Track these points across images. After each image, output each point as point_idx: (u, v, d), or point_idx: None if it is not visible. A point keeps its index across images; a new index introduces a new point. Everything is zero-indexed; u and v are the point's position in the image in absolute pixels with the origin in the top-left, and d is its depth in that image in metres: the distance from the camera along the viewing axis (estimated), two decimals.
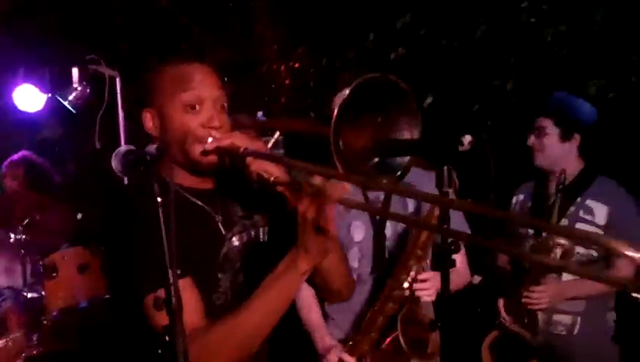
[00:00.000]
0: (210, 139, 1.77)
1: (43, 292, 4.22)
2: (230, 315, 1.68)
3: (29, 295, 4.20)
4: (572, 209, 3.16)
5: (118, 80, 5.20)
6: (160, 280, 1.58)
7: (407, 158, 1.68)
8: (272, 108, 5.34)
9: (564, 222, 3.15)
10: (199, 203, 1.87)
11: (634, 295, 2.81)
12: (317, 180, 1.55)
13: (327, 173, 1.52)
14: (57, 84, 5.23)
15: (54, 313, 4.21)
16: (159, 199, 1.54)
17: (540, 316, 3.14)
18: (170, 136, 1.82)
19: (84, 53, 5.25)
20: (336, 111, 1.59)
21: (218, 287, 1.85)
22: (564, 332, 3.15)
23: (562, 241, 2.97)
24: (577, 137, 3.19)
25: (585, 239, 1.13)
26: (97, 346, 4.24)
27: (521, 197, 3.42)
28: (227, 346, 1.66)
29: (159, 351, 1.52)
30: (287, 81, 5.66)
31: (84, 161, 6.36)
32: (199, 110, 1.80)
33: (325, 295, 2.01)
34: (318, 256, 1.65)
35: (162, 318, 1.53)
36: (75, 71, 5.14)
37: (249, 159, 1.69)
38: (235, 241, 1.91)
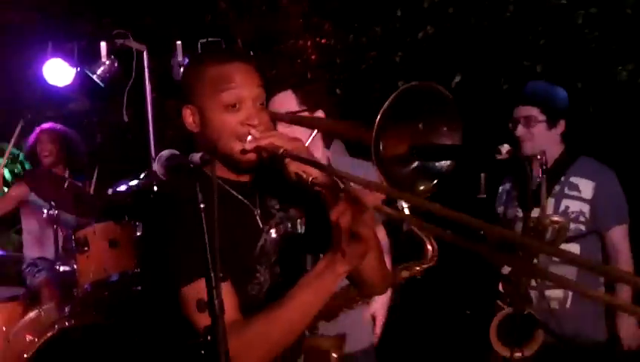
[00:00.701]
0: (249, 138, 1.81)
1: (75, 266, 4.29)
2: (266, 312, 1.72)
3: (62, 268, 4.28)
4: (557, 188, 3.26)
5: (145, 53, 5.22)
6: (197, 272, 1.65)
7: (447, 163, 1.70)
8: (297, 84, 5.34)
9: (551, 201, 3.24)
10: (239, 196, 1.91)
11: None
12: (354, 186, 1.59)
13: (364, 183, 1.55)
14: (85, 58, 5.27)
15: (86, 286, 4.29)
16: (202, 205, 1.59)
17: (533, 293, 3.23)
18: (210, 133, 1.86)
19: (111, 28, 5.30)
20: (379, 116, 1.62)
21: (254, 279, 1.89)
22: (557, 307, 3.23)
23: (556, 218, 3.06)
24: (562, 123, 3.26)
25: (583, 264, 1.17)
26: (127, 319, 4.35)
27: (507, 186, 3.52)
28: (264, 342, 1.71)
29: (202, 352, 1.58)
30: (313, 57, 5.65)
31: (113, 133, 6.43)
32: (239, 108, 1.83)
33: (359, 288, 2.04)
34: (355, 260, 1.68)
35: (204, 319, 1.59)
36: (103, 45, 5.18)
37: (288, 159, 1.73)
38: (273, 234, 1.95)
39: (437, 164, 1.71)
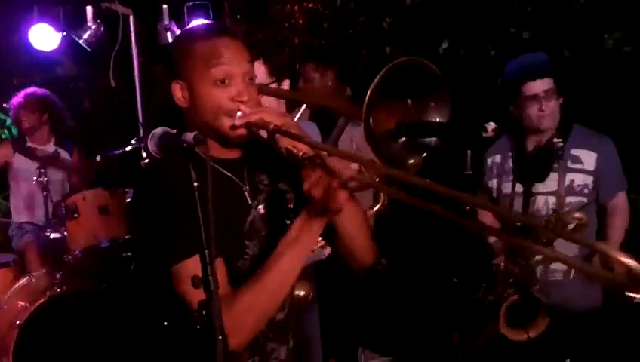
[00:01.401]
0: (239, 113, 1.82)
1: (65, 233, 4.32)
2: (251, 282, 1.76)
3: (52, 235, 4.30)
4: (559, 161, 3.23)
5: (131, 17, 5.20)
6: (190, 250, 1.69)
7: (433, 139, 1.74)
8: (285, 49, 5.32)
9: (554, 176, 3.24)
10: (227, 173, 1.93)
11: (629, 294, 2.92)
12: (332, 160, 1.63)
13: (356, 159, 1.59)
14: (71, 22, 5.23)
15: (77, 252, 4.32)
16: (196, 184, 1.62)
17: (538, 268, 3.26)
18: (200, 109, 1.86)
19: None
20: (369, 92, 1.65)
21: (244, 254, 1.91)
22: (560, 278, 3.27)
23: (578, 215, 3.05)
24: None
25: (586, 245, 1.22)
26: (118, 285, 4.39)
27: (497, 158, 3.46)
28: (253, 313, 1.76)
29: (198, 326, 1.63)
30: (300, 22, 5.62)
31: (100, 98, 6.40)
32: (228, 84, 1.84)
33: (349, 262, 2.08)
34: (329, 217, 1.75)
35: (199, 295, 1.64)
36: (89, 9, 5.15)
37: (278, 135, 1.76)
38: (261, 209, 1.97)
39: (425, 139, 1.75)
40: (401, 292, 4.92)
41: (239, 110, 1.83)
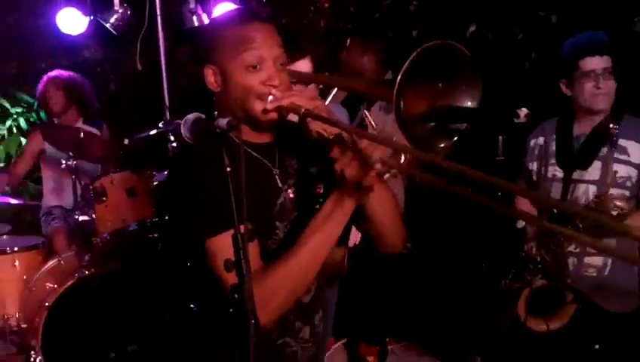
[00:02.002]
0: (270, 97, 1.85)
1: (94, 216, 4.35)
2: (283, 258, 1.79)
3: (81, 218, 4.33)
4: (604, 150, 3.11)
5: (157, 1, 5.20)
6: (223, 226, 1.71)
7: (463, 125, 1.74)
8: (311, 32, 5.33)
9: (597, 164, 3.13)
10: (258, 156, 1.96)
11: None
12: (363, 142, 1.65)
13: (387, 142, 1.60)
14: (98, 6, 5.26)
15: (105, 235, 4.35)
16: (228, 169, 1.64)
17: (570, 260, 3.16)
18: (232, 93, 1.90)
19: None
20: (400, 75, 1.65)
21: (274, 235, 1.95)
22: (594, 274, 3.15)
23: (620, 203, 2.93)
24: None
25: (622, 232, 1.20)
26: (146, 267, 4.43)
27: (541, 140, 3.34)
28: (284, 288, 1.78)
29: (230, 310, 1.65)
30: (326, 5, 5.61)
31: (126, 82, 6.44)
32: (260, 68, 1.86)
33: (379, 246, 2.09)
34: (361, 196, 1.77)
35: (231, 278, 1.67)
36: None
37: (309, 118, 1.78)
38: (290, 194, 2.00)
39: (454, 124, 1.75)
40: (426, 278, 4.93)
41: (271, 94, 1.86)
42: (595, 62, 3.09)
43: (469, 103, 1.74)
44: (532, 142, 3.39)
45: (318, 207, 1.85)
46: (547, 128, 3.30)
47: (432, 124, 1.77)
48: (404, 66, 1.66)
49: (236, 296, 1.66)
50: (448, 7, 4.67)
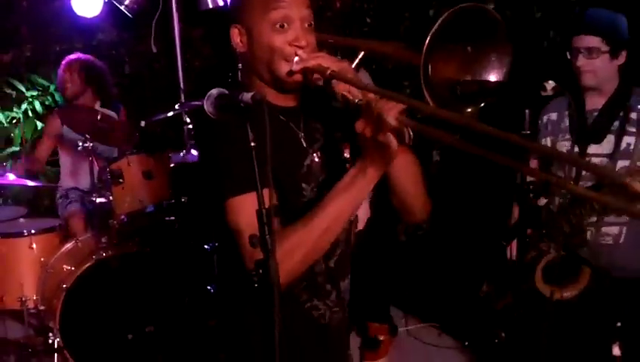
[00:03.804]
0: (296, 59, 1.83)
1: (110, 198, 4.36)
2: (304, 220, 1.76)
3: (98, 200, 4.34)
4: (616, 124, 3.14)
5: None
6: (248, 186, 1.68)
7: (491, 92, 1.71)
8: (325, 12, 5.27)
9: (610, 138, 3.14)
10: (284, 119, 1.95)
11: None
12: (387, 102, 1.62)
13: (412, 103, 1.58)
14: None
15: (122, 217, 4.36)
16: (253, 144, 1.62)
17: (588, 232, 3.17)
18: (258, 53, 1.88)
19: None
20: (428, 38, 1.62)
21: (302, 196, 1.94)
22: (610, 242, 3.19)
23: None
24: (623, 54, 3.13)
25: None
26: (163, 248, 4.45)
27: (554, 115, 3.36)
28: (304, 247, 1.76)
29: (255, 285, 1.64)
30: None
31: (141, 64, 6.43)
32: (287, 29, 1.84)
33: (403, 215, 2.08)
34: (385, 164, 1.74)
35: (257, 254, 1.64)
36: None
37: (334, 80, 1.75)
38: (316, 158, 1.99)
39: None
40: (443, 257, 4.91)
41: (296, 55, 1.83)
42: (581, 41, 3.11)
43: (499, 70, 1.70)
44: (545, 118, 3.40)
45: (343, 171, 1.83)
46: (559, 103, 3.33)
47: (459, 88, 1.74)
48: (434, 27, 1.61)
49: (261, 271, 1.64)
50: None
